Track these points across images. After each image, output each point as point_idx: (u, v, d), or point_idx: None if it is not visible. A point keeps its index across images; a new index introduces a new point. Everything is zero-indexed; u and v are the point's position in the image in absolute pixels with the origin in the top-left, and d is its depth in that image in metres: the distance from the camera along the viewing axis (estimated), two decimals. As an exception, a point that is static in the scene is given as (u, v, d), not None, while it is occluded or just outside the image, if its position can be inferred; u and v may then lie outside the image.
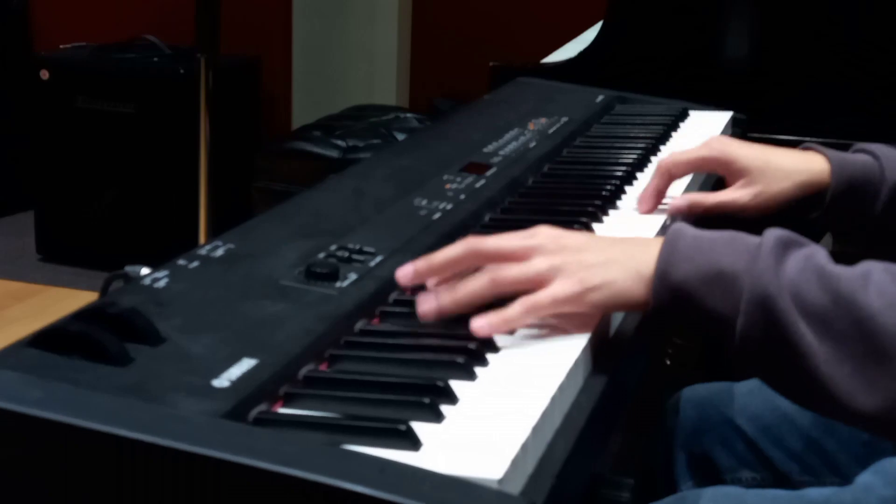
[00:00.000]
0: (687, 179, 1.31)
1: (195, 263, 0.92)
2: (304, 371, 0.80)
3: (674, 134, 1.61)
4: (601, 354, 0.89)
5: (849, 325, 0.81)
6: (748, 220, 1.23)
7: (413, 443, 0.70)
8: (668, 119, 1.64)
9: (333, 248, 0.99)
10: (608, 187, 1.28)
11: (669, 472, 1.31)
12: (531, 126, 1.53)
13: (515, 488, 0.68)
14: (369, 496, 0.60)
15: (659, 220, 1.21)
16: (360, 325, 0.89)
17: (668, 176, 1.24)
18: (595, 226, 1.17)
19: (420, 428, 0.71)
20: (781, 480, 1.25)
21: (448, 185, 1.22)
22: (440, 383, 0.77)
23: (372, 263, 0.96)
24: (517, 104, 1.69)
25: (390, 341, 0.86)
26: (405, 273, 0.92)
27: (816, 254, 0.85)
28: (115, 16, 3.88)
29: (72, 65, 3.38)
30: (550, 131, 1.51)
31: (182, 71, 3.25)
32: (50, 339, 0.75)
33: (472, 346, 0.83)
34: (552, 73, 1.95)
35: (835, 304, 0.81)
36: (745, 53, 1.98)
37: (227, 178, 2.75)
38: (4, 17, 3.88)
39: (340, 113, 3.55)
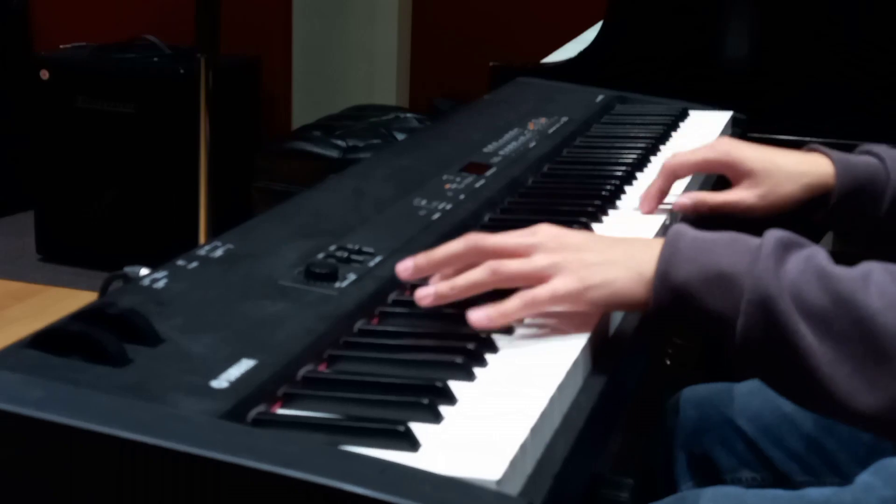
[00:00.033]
0: (687, 179, 1.31)
1: (194, 264, 0.92)
2: (302, 371, 0.80)
3: (674, 134, 1.61)
4: (601, 354, 0.89)
5: (849, 325, 0.81)
6: (753, 220, 1.23)
7: (412, 443, 0.69)
8: (668, 119, 1.64)
9: (333, 248, 0.99)
10: (608, 187, 1.28)
11: (669, 472, 1.31)
12: (531, 126, 1.53)
13: (514, 489, 0.68)
14: (369, 497, 0.60)
15: (658, 220, 1.21)
16: (359, 325, 0.89)
17: (673, 177, 1.24)
18: (595, 226, 1.17)
19: (419, 429, 0.71)
20: (781, 480, 1.25)
21: (448, 185, 1.22)
22: (439, 384, 0.77)
23: (371, 264, 0.96)
24: (517, 104, 1.69)
25: (389, 342, 0.86)
26: (405, 267, 0.92)
27: (817, 255, 0.85)
28: (115, 16, 3.88)
29: (72, 65, 3.38)
30: (550, 131, 1.51)
31: (182, 71, 3.25)
32: (49, 340, 0.75)
33: (470, 346, 0.83)
34: (552, 73, 1.95)
35: (835, 304, 0.82)
36: (745, 53, 1.98)
37: (227, 178, 2.75)
38: (4, 17, 3.88)
39: (340, 113, 3.55)
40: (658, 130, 1.58)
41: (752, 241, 0.87)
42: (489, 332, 0.87)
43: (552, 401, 0.77)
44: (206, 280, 0.90)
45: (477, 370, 0.81)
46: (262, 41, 3.81)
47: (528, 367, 0.82)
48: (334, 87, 3.97)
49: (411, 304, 0.90)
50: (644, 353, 1.00)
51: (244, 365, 0.76)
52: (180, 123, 3.19)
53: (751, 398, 1.29)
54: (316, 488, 0.61)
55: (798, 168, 1.24)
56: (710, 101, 1.78)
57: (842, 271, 0.83)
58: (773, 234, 0.86)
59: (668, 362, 1.90)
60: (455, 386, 0.77)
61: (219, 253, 0.95)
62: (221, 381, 0.73)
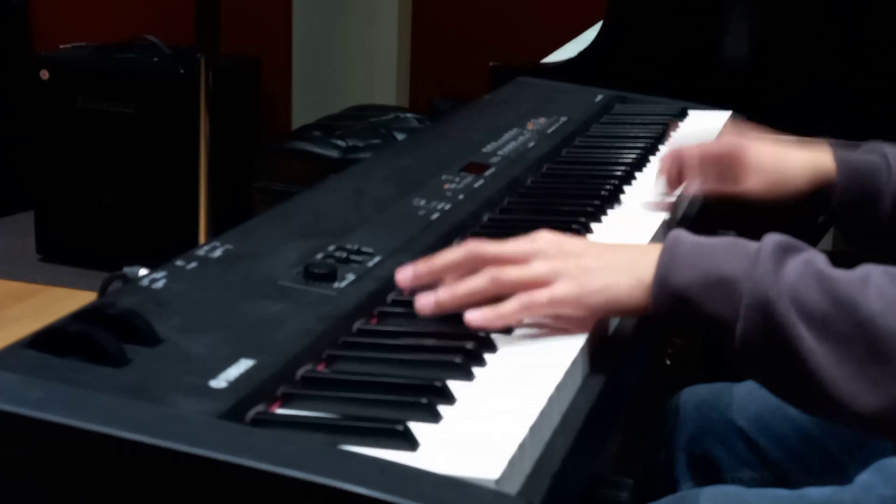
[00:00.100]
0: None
1: (193, 264, 0.92)
2: (301, 371, 0.80)
3: (673, 133, 1.61)
4: (600, 354, 0.89)
5: (849, 327, 0.81)
6: (758, 211, 1.26)
7: (411, 443, 0.70)
8: (667, 119, 1.64)
9: (332, 248, 0.99)
10: (607, 187, 1.28)
11: (669, 472, 1.31)
12: (530, 126, 1.53)
13: (513, 488, 0.68)
14: (369, 497, 0.60)
15: (658, 219, 1.21)
16: (358, 325, 0.89)
17: (682, 166, 1.26)
18: (594, 225, 1.17)
19: (418, 428, 0.71)
20: (781, 480, 1.25)
21: (447, 186, 1.22)
22: (438, 383, 0.77)
23: (370, 264, 0.96)
24: (517, 104, 1.69)
25: (388, 342, 0.86)
26: (405, 275, 0.92)
27: (815, 258, 0.85)
28: (115, 16, 3.88)
29: (72, 65, 3.38)
30: (550, 131, 1.51)
31: (182, 71, 3.24)
32: (48, 340, 0.75)
33: (469, 346, 0.83)
34: (552, 73, 1.95)
35: (835, 307, 0.82)
36: (745, 53, 1.98)
37: (227, 178, 2.75)
38: (4, 17, 3.88)
39: (340, 113, 3.55)
40: (658, 130, 1.58)
41: (751, 245, 0.87)
42: (488, 331, 0.87)
43: (551, 400, 0.77)
44: (205, 280, 0.90)
45: (476, 370, 0.81)
46: (262, 41, 3.81)
47: (526, 366, 0.82)
48: (334, 87, 3.96)
49: (410, 304, 0.90)
50: (644, 353, 1.01)
51: (243, 365, 0.76)
52: (180, 123, 3.19)
53: (751, 398, 1.29)
54: (315, 488, 0.61)
55: (803, 160, 1.26)
56: (710, 101, 1.78)
57: (841, 274, 0.84)
58: (772, 238, 0.86)
59: (668, 362, 1.90)
60: (454, 385, 0.78)
61: (218, 253, 0.96)
62: (220, 381, 0.73)
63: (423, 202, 1.16)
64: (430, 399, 0.74)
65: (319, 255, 0.97)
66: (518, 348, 0.86)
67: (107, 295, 0.88)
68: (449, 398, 0.76)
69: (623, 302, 0.88)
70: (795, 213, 1.27)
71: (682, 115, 1.71)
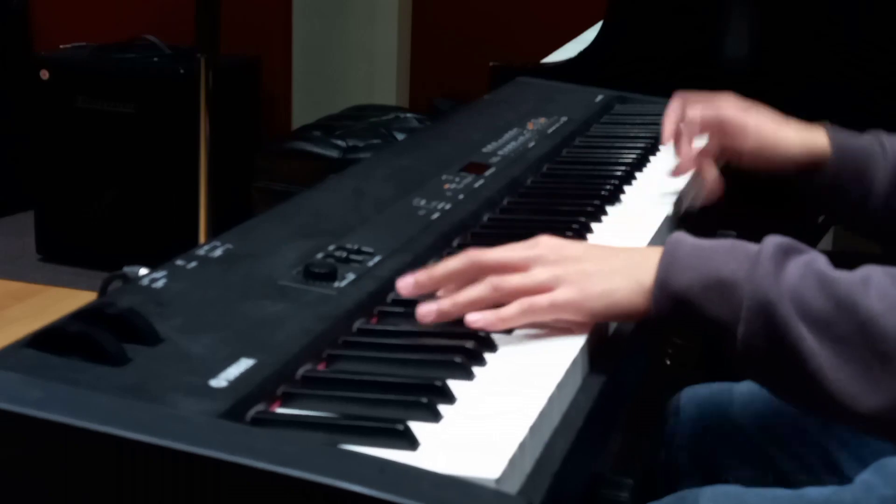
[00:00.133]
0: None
1: (193, 264, 0.92)
2: (302, 371, 0.80)
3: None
4: (600, 354, 0.89)
5: (851, 328, 0.81)
6: (758, 212, 1.29)
7: (411, 442, 0.70)
8: (667, 119, 1.64)
9: (332, 248, 0.99)
10: (607, 187, 1.28)
11: (669, 472, 1.31)
12: (530, 126, 1.53)
13: (513, 488, 0.68)
14: (369, 496, 0.60)
15: (658, 219, 1.21)
16: (358, 324, 0.89)
17: (684, 125, 1.32)
18: (594, 225, 1.17)
19: (418, 428, 0.71)
20: (781, 480, 1.24)
21: (447, 185, 1.22)
22: (438, 383, 0.77)
23: (370, 263, 0.96)
24: (517, 104, 1.69)
25: (388, 341, 0.86)
26: (406, 284, 0.92)
27: (816, 259, 0.86)
28: (115, 16, 3.88)
29: (72, 65, 3.38)
30: (550, 131, 1.51)
31: (182, 71, 3.24)
32: (48, 340, 0.75)
33: (469, 345, 0.83)
34: (552, 73, 1.95)
35: (836, 308, 0.82)
36: (745, 53, 1.98)
37: (227, 178, 2.75)
38: (4, 17, 3.88)
39: (340, 113, 3.55)
40: (657, 130, 1.57)
41: (751, 247, 0.87)
42: (488, 331, 0.87)
43: (551, 400, 0.77)
44: (205, 280, 0.90)
45: (476, 369, 0.81)
46: (262, 41, 3.81)
47: (527, 366, 0.82)
48: (334, 87, 3.96)
49: (410, 303, 0.90)
50: (644, 353, 1.01)
51: (243, 364, 0.76)
52: (180, 123, 3.19)
53: (751, 398, 1.29)
54: (315, 487, 0.61)
55: (799, 135, 1.31)
56: (710, 101, 1.78)
57: (841, 275, 0.84)
58: (772, 240, 0.86)
59: (668, 362, 1.90)
60: (454, 385, 0.78)
61: (218, 253, 0.96)
62: (220, 381, 0.73)
63: (423, 202, 1.16)
64: (430, 398, 0.74)
65: (319, 255, 0.97)
66: (518, 348, 0.86)
67: (107, 295, 0.88)
68: (449, 398, 0.76)
69: (624, 306, 0.88)
70: (795, 212, 1.27)
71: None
